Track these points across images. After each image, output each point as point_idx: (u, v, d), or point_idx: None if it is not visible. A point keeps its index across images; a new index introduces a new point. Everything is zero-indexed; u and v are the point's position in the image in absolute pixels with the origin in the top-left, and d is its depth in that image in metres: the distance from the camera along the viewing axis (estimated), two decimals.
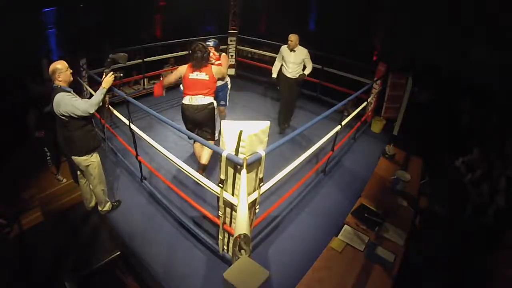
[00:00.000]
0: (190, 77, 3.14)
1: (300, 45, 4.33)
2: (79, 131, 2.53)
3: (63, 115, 2.41)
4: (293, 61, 4.40)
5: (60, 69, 2.43)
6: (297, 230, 2.99)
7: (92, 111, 2.47)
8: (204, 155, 3.39)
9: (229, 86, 4.20)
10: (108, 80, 2.64)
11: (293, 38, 4.31)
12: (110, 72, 2.69)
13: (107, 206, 3.05)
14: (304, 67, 4.45)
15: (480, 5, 4.74)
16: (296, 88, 4.68)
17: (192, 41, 4.28)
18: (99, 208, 3.03)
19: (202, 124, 3.29)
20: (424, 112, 4.88)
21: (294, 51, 4.34)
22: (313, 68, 4.49)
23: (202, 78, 3.13)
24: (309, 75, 4.51)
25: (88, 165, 2.72)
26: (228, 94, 4.23)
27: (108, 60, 2.94)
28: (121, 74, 2.70)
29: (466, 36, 4.95)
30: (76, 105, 2.40)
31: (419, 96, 5.01)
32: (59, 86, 2.45)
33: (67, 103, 2.38)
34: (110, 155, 3.99)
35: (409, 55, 5.51)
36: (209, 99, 3.20)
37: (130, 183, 3.54)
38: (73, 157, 2.67)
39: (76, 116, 2.43)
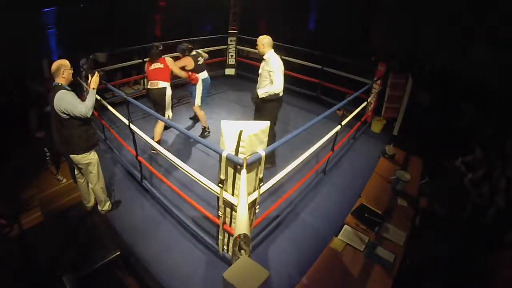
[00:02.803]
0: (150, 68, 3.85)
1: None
2: (77, 130, 2.54)
3: (64, 113, 2.42)
4: (260, 72, 3.42)
5: (65, 66, 2.47)
6: (297, 230, 2.99)
7: (89, 114, 2.50)
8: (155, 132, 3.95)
9: (197, 88, 4.25)
10: (95, 80, 2.66)
11: (258, 41, 3.29)
12: (94, 72, 2.72)
13: (107, 206, 3.05)
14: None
15: (480, 5, 4.74)
16: (262, 111, 3.44)
17: (192, 41, 4.31)
18: (99, 208, 3.04)
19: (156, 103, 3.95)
20: (424, 112, 4.88)
21: (264, 59, 3.33)
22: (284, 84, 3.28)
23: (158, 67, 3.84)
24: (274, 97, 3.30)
25: (87, 163, 2.73)
26: (196, 95, 4.28)
27: (89, 61, 3.00)
28: (102, 73, 2.78)
29: (466, 36, 4.95)
30: (75, 105, 2.42)
31: (419, 96, 5.01)
32: (60, 84, 2.46)
33: (68, 102, 2.40)
34: (110, 155, 3.99)
35: (408, 55, 5.51)
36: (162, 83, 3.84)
37: (130, 183, 3.54)
38: (71, 156, 2.67)
39: (74, 116, 2.45)
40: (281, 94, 3.36)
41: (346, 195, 3.45)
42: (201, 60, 4.37)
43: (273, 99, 3.36)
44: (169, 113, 4.01)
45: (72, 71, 2.55)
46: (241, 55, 7.33)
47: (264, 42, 3.26)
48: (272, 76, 3.23)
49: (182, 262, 2.59)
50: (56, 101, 2.40)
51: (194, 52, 4.28)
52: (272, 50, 3.31)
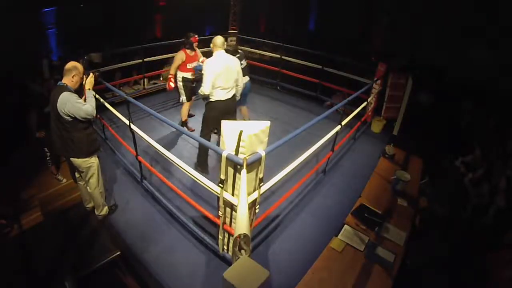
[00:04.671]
0: None
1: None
2: (80, 133, 2.53)
3: (68, 115, 2.40)
4: None
5: (79, 71, 2.49)
6: (297, 230, 2.99)
7: (95, 113, 2.52)
8: None
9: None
10: (90, 81, 2.67)
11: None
12: (89, 73, 2.73)
13: (104, 210, 3.02)
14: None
15: (480, 5, 4.74)
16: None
17: None
18: (96, 212, 3.01)
19: None
20: (424, 112, 4.88)
21: None
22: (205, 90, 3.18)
23: None
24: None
25: (88, 167, 2.71)
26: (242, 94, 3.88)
27: (83, 62, 3.02)
28: (97, 73, 2.81)
29: (466, 36, 4.95)
30: (80, 107, 2.41)
31: (419, 96, 5.02)
32: (65, 84, 2.44)
33: (73, 104, 2.38)
34: (110, 155, 3.99)
35: (409, 55, 5.51)
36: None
37: (130, 183, 3.54)
38: (72, 159, 2.65)
39: (80, 118, 2.44)
40: (215, 98, 3.29)
41: (346, 195, 3.45)
42: (244, 63, 4.04)
43: (208, 102, 3.37)
44: (182, 98, 4.43)
45: (82, 81, 2.57)
46: None
47: (214, 42, 3.25)
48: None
49: (182, 262, 2.59)
50: (60, 103, 2.37)
51: (238, 53, 4.02)
52: (221, 50, 3.26)
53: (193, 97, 4.59)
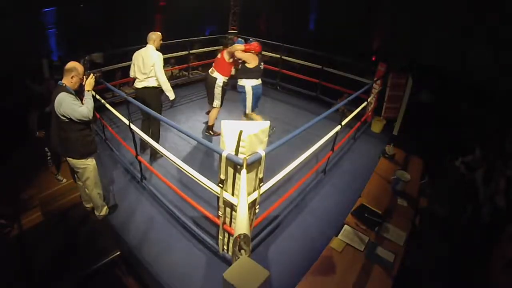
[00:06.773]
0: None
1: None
2: (76, 134, 2.52)
3: (64, 116, 2.40)
4: None
5: (78, 72, 2.47)
6: (297, 230, 2.99)
7: (91, 115, 2.49)
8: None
9: (246, 96, 4.09)
10: (90, 82, 2.64)
11: None
12: (89, 73, 2.71)
13: (104, 211, 3.01)
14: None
15: (480, 5, 4.74)
16: None
17: (193, 41, 4.33)
18: (96, 213, 3.00)
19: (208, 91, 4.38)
20: (424, 112, 4.88)
21: None
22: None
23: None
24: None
25: (84, 168, 2.70)
26: (246, 103, 4.14)
27: (85, 62, 3.01)
28: (99, 74, 2.79)
29: (466, 36, 4.95)
30: (76, 109, 2.40)
31: (419, 96, 5.02)
32: (64, 84, 2.44)
33: (68, 106, 2.37)
34: (110, 156, 3.99)
35: (409, 55, 5.51)
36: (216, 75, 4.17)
37: (130, 183, 3.54)
38: (68, 159, 2.65)
39: (75, 119, 2.43)
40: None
41: (346, 195, 3.45)
42: (262, 65, 4.18)
43: None
44: (217, 102, 4.34)
45: (82, 82, 2.56)
46: None
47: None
48: None
49: (182, 262, 2.59)
50: (56, 103, 2.37)
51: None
52: (148, 44, 3.63)
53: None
